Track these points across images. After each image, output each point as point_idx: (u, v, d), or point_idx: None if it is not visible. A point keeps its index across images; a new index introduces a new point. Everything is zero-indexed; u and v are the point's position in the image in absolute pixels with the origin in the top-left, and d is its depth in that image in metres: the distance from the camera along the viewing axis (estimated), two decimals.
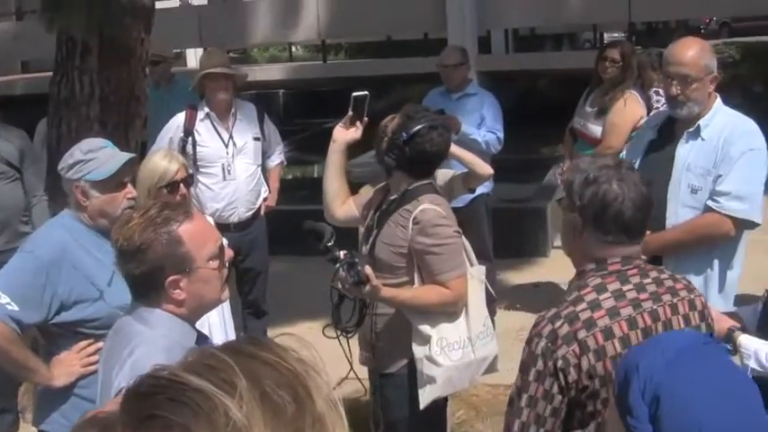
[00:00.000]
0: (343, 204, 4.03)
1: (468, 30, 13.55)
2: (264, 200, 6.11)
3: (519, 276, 7.93)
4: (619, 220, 2.42)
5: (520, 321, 6.71)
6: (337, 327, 3.82)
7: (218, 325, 4.01)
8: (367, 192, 4.05)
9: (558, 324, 2.34)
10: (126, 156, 3.37)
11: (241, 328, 5.84)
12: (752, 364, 2.89)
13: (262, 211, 6.08)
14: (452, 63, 6.61)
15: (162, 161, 3.95)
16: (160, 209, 2.34)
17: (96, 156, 3.30)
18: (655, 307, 2.41)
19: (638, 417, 1.62)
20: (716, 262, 3.88)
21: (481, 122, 6.39)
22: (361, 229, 3.97)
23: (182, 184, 3.94)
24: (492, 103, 6.61)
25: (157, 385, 0.88)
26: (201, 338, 2.42)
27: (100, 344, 3.19)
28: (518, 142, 11.63)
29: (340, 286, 3.64)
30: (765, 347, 2.92)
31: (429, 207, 3.67)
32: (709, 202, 3.85)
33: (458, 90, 6.61)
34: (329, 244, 3.62)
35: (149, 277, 2.30)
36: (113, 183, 3.29)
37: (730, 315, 3.21)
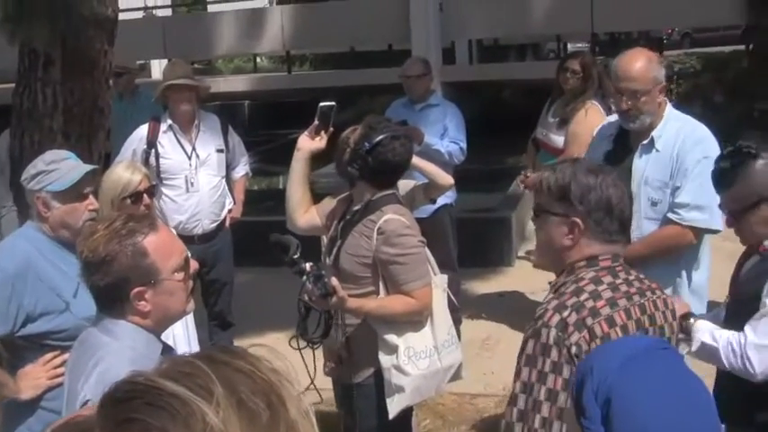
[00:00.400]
0: (305, 213, 4.04)
1: (432, 41, 13.63)
2: (229, 211, 6.10)
3: (484, 286, 7.97)
4: (621, 219, 2.50)
5: (485, 330, 6.76)
6: (303, 338, 3.83)
7: (183, 337, 4.00)
8: (329, 202, 4.07)
9: (565, 313, 2.36)
10: (87, 167, 3.37)
11: (207, 340, 5.83)
12: (706, 338, 3.04)
13: (227, 223, 6.07)
14: (415, 74, 6.63)
15: (125, 172, 3.95)
16: (125, 221, 2.35)
17: (58, 167, 3.30)
18: (642, 301, 2.48)
19: (591, 418, 1.65)
20: (682, 270, 3.94)
21: (444, 133, 6.41)
22: (325, 240, 3.98)
23: (145, 195, 3.94)
24: (455, 113, 6.63)
25: (134, 390, 0.89)
26: (167, 350, 2.42)
27: (66, 356, 3.17)
28: (482, 152, 11.69)
29: (307, 298, 3.66)
30: (718, 330, 3.06)
31: (393, 217, 3.70)
32: (670, 214, 3.91)
33: (421, 101, 6.63)
34: (295, 256, 3.62)
35: (114, 289, 2.30)
36: (74, 194, 3.29)
37: None
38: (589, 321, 2.34)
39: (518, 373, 2.37)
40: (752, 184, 3.05)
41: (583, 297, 2.40)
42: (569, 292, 2.42)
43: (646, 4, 12.67)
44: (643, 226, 3.95)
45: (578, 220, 2.47)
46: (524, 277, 7.94)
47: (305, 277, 3.58)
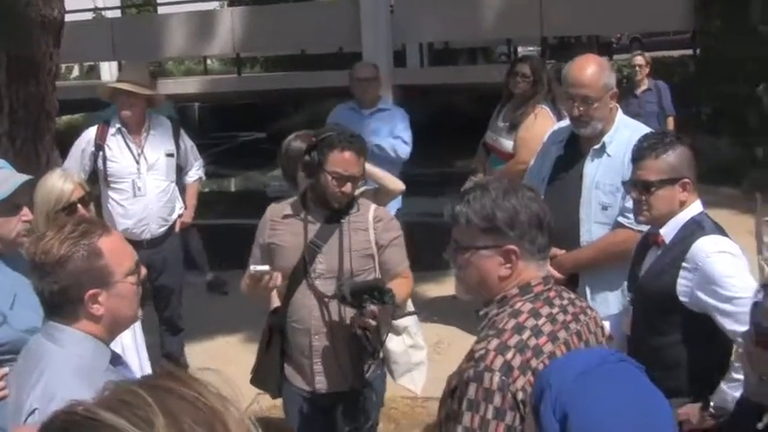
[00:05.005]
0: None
1: (383, 43, 13.63)
2: (179, 216, 6.04)
3: (435, 289, 7.97)
4: (550, 231, 2.39)
5: (437, 334, 6.76)
6: (374, 360, 3.81)
7: (131, 347, 3.95)
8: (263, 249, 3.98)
9: (509, 355, 2.22)
10: (21, 178, 3.28)
11: (158, 346, 5.77)
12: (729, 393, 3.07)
13: (176, 228, 6.02)
14: (367, 77, 6.58)
15: (57, 182, 3.85)
16: (76, 223, 2.30)
17: None
18: (578, 327, 2.39)
19: None
20: None
21: (394, 137, 6.42)
22: (285, 260, 3.89)
23: (79, 205, 3.85)
24: (403, 115, 6.63)
25: (71, 421, 0.87)
26: (115, 358, 2.38)
27: (5, 369, 3.10)
28: (433, 156, 11.75)
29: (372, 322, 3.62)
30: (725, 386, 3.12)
31: (375, 206, 3.90)
32: (620, 219, 3.94)
33: (370, 105, 6.58)
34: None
35: (67, 292, 2.24)
36: (7, 206, 3.20)
37: None
38: (534, 363, 2.22)
39: (457, 418, 2.23)
40: (677, 161, 3.23)
41: (525, 335, 2.27)
42: (510, 330, 2.28)
43: (595, 9, 12.79)
44: (593, 230, 3.99)
45: (514, 247, 2.33)
46: None
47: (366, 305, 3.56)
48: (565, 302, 2.42)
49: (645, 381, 1.75)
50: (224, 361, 6.58)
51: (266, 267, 3.68)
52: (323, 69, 15.27)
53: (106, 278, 2.27)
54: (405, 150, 6.39)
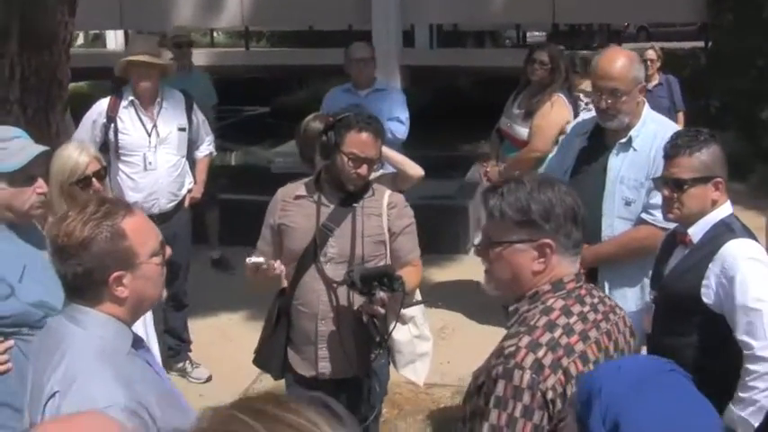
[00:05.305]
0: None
1: (393, 23, 13.53)
2: (189, 191, 5.99)
3: (440, 274, 7.94)
4: (584, 225, 2.37)
5: (442, 319, 6.74)
6: (382, 344, 3.80)
7: (139, 323, 3.90)
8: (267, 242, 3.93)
9: (540, 353, 2.18)
10: (37, 149, 3.23)
11: (161, 321, 5.73)
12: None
13: (186, 203, 5.97)
14: (363, 57, 6.49)
15: (73, 154, 3.83)
16: (99, 203, 2.24)
17: (6, 146, 3.16)
18: (608, 327, 2.36)
19: None
20: (650, 270, 3.89)
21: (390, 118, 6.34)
22: (296, 240, 3.85)
23: (94, 179, 3.82)
24: (399, 95, 6.59)
25: None
26: (137, 341, 2.33)
27: (10, 342, 3.06)
28: (437, 138, 11.69)
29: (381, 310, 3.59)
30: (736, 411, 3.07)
31: (390, 191, 3.84)
32: (644, 215, 3.90)
33: (366, 86, 6.49)
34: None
35: (91, 274, 2.18)
36: (23, 176, 3.15)
37: None
38: (565, 362, 2.19)
39: (484, 414, 2.19)
40: (710, 159, 3.21)
41: (557, 333, 2.23)
42: (542, 327, 2.24)
43: None
44: (615, 225, 3.95)
45: (549, 241, 2.29)
46: (480, 266, 7.84)
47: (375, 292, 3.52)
48: (596, 300, 2.39)
49: (696, 393, 1.72)
50: (227, 338, 6.57)
51: (261, 259, 3.66)
52: (330, 47, 15.17)
53: (131, 260, 2.23)
54: (401, 130, 6.30)
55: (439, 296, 7.20)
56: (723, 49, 12.19)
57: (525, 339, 2.21)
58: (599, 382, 1.67)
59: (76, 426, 1.45)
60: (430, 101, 14.03)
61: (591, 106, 6.62)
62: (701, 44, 13.58)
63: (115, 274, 2.20)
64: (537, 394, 2.15)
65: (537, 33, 20.77)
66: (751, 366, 3.06)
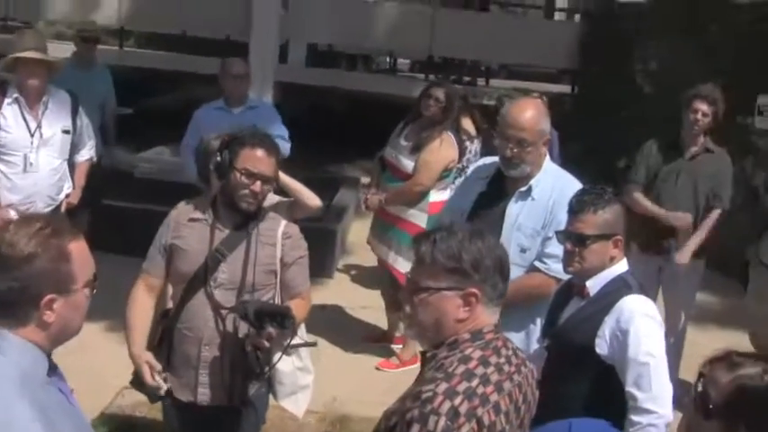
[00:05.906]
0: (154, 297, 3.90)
1: (272, 38, 13.44)
2: (67, 196, 5.81)
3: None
4: (508, 278, 2.42)
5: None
6: (260, 377, 3.75)
7: None
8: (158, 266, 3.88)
9: (457, 401, 2.20)
10: None
11: None
12: None
13: (62, 208, 5.78)
14: (240, 73, 6.41)
15: None
16: (46, 221, 2.14)
17: None
18: (519, 379, 2.41)
19: None
20: (536, 317, 3.99)
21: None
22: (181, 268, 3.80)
23: None
24: (273, 111, 6.61)
25: None
26: (51, 368, 2.23)
27: None
28: (308, 158, 11.63)
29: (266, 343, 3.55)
30: None
31: (285, 221, 3.82)
32: (537, 263, 4.00)
33: (239, 104, 6.40)
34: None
35: (23, 293, 2.07)
36: None
37: None
38: (479, 411, 2.22)
39: None
40: (613, 218, 3.36)
41: (474, 382, 2.26)
42: (459, 374, 2.27)
43: (484, 38, 13.06)
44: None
45: (476, 290, 2.34)
46: (344, 291, 7.99)
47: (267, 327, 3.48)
48: (509, 353, 2.44)
49: None
50: (87, 348, 6.34)
51: (164, 386, 3.73)
52: (204, 54, 14.94)
53: (68, 285, 2.13)
54: (286, 147, 6.22)
55: (307, 319, 7.19)
56: (589, 95, 12.65)
57: (443, 386, 2.23)
58: None
59: None
60: (300, 119, 13.98)
61: (468, 143, 6.82)
62: (567, 89, 14.06)
63: (48, 296, 2.09)
64: None
65: (405, 61, 21.04)
66: (635, 418, 3.20)
